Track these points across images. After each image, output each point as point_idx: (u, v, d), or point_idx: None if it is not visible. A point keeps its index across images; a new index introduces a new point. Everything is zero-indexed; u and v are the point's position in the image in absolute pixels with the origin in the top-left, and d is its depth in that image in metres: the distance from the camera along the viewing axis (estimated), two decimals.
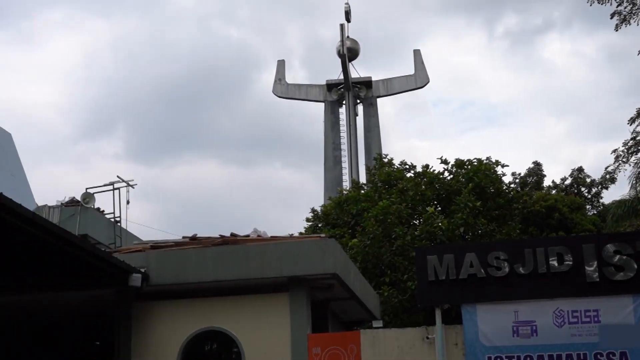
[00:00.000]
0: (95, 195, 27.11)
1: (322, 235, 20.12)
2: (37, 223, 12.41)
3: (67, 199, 27.58)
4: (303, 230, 30.33)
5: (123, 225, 27.40)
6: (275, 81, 66.39)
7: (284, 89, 66.00)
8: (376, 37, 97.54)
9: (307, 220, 31.22)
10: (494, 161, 29.63)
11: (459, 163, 29.03)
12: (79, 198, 27.20)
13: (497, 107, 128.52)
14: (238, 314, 15.65)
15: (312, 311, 15.94)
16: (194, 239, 17.20)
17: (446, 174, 29.03)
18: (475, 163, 28.74)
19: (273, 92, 66.53)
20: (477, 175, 27.83)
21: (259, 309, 15.60)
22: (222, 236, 16.93)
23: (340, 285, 16.16)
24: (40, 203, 28.33)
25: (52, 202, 27.81)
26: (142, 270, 15.61)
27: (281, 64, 66.87)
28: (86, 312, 17.68)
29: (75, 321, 18.85)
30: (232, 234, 17.09)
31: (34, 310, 17.60)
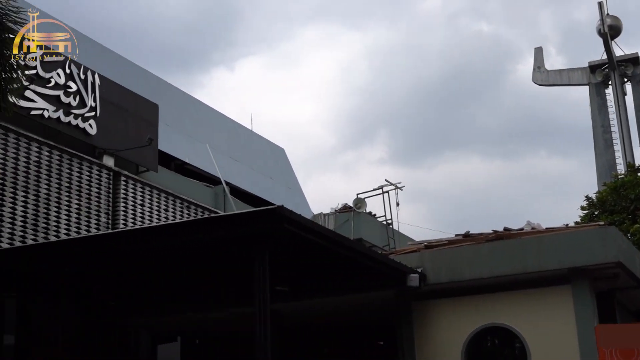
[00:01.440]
0: (365, 199, 27.85)
1: (601, 223, 19.41)
2: (316, 231, 12.91)
3: (340, 206, 28.55)
4: (578, 220, 29.38)
5: (395, 227, 27.91)
6: (534, 69, 64.81)
7: (544, 77, 64.27)
8: (637, 10, 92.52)
9: (582, 208, 30.19)
10: None
11: None
12: (350, 204, 28.05)
13: None
14: (518, 309, 15.40)
15: (597, 302, 15.38)
16: (466, 236, 17.13)
17: None
18: None
19: (533, 80, 64.94)
20: None
21: (539, 302, 15.27)
22: (495, 231, 16.74)
23: (626, 273, 15.50)
24: (315, 212, 29.53)
25: (326, 210, 28.91)
26: (419, 270, 15.79)
27: (539, 52, 65.18)
28: (367, 313, 18.10)
29: (358, 323, 19.36)
30: (505, 228, 16.86)
31: (319, 313, 18.30)
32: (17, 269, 15.08)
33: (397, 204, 28.08)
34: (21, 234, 16.07)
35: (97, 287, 16.62)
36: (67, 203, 17.34)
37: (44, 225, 16.66)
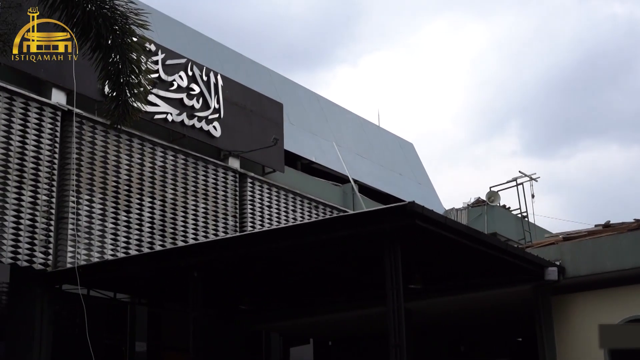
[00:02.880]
0: (499, 192, 27.11)
1: None
2: (449, 226, 12.43)
3: (472, 200, 27.88)
4: None
5: (530, 219, 27.05)
6: None
7: None
8: None
9: None
10: None
11: None
12: (483, 198, 27.35)
13: None
14: None
15: None
16: (607, 226, 16.35)
17: None
18: None
19: None
20: None
21: None
22: (637, 220, 15.87)
23: None
24: (447, 207, 28.91)
25: (458, 205, 28.27)
26: (557, 263, 15.15)
27: None
28: (504, 310, 17.53)
29: (495, 320, 18.81)
30: None
31: (454, 311, 17.82)
32: (146, 276, 15.18)
33: (532, 196, 27.21)
34: (149, 239, 16.17)
35: (227, 292, 16.57)
36: (193, 207, 17.37)
37: (172, 230, 16.72)
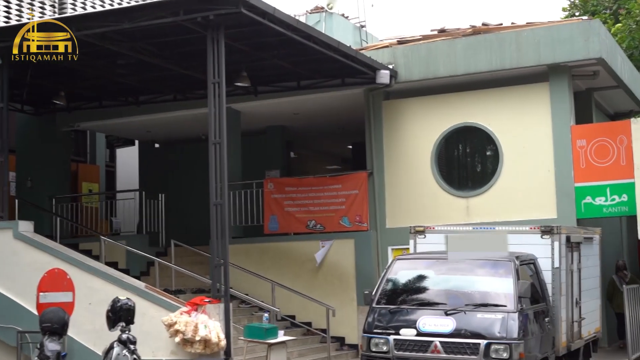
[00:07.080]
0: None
1: (584, 17, 18.44)
2: (278, 18, 11.80)
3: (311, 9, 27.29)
4: None
5: (369, 30, 26.79)
6: None
7: None
8: None
9: (564, 9, 28.98)
10: None
11: None
12: (322, 5, 26.77)
13: None
14: (493, 108, 14.65)
15: (575, 102, 14.60)
16: (442, 31, 16.22)
17: None
18: None
19: None
20: None
21: (516, 101, 14.50)
22: (472, 26, 15.78)
23: (606, 71, 14.63)
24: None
25: (298, 11, 27.58)
26: (390, 66, 14.87)
27: None
28: (335, 114, 17.39)
29: (326, 126, 18.70)
30: (484, 23, 15.93)
31: (285, 115, 17.55)
32: None
33: (372, 5, 26.88)
34: None
35: (41, 86, 15.45)
36: None
37: None
